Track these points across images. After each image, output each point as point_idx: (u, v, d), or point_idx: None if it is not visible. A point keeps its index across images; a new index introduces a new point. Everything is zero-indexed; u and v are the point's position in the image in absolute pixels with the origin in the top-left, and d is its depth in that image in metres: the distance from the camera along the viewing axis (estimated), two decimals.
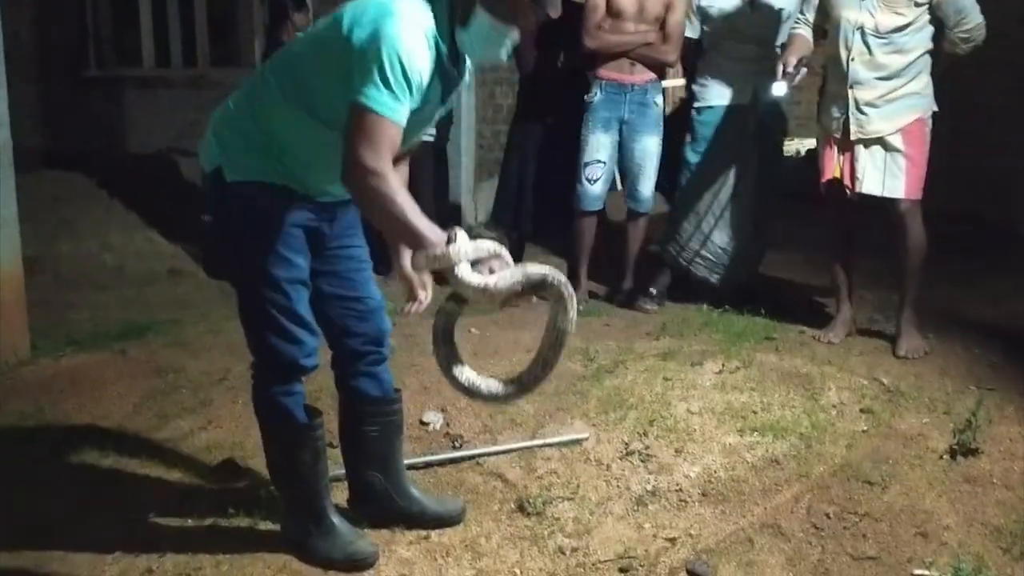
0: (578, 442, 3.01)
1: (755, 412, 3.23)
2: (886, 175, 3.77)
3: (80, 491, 2.78)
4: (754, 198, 4.40)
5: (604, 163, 4.43)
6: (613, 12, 4.37)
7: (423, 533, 2.52)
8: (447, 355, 2.13)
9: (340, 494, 2.61)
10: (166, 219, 6.03)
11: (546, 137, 4.73)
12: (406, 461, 2.86)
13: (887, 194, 3.78)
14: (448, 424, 3.16)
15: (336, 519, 2.41)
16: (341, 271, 2.36)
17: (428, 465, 2.88)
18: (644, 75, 4.41)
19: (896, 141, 3.76)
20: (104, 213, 5.99)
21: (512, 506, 2.67)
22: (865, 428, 3.12)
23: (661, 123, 4.53)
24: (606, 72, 4.41)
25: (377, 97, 1.97)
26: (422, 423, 3.15)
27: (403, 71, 1.97)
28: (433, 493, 2.71)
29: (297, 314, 2.24)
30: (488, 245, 2.05)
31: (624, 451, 2.96)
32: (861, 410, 3.25)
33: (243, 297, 2.28)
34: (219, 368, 3.64)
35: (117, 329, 4.22)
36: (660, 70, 4.47)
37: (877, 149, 3.78)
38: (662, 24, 4.37)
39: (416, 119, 2.09)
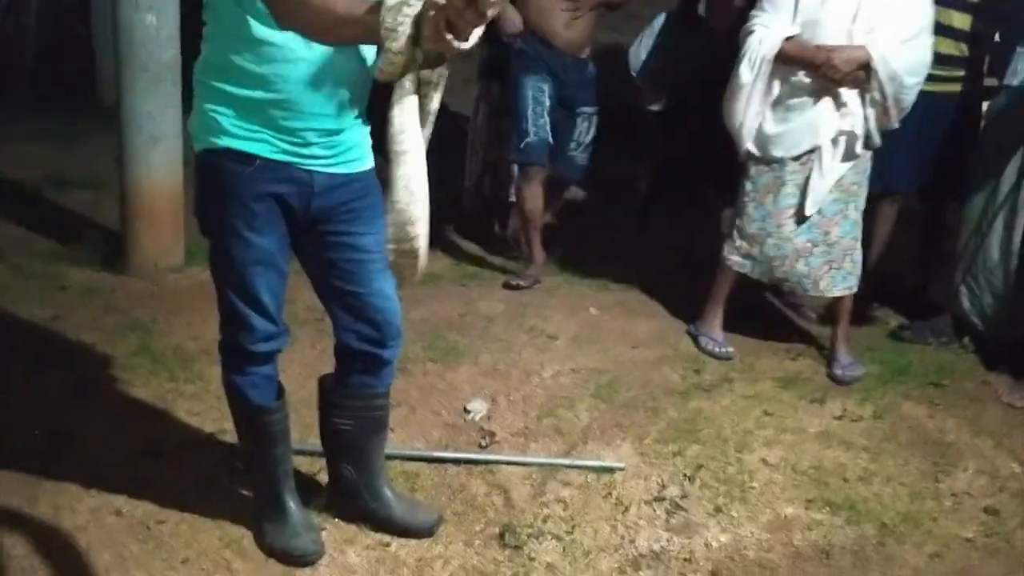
0: (610, 471, 2.66)
1: (845, 480, 2.67)
2: None
3: (114, 411, 2.84)
4: None
5: None
6: None
7: (385, 539, 2.35)
8: None
9: None
10: None
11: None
12: (421, 452, 2.72)
13: None
14: (489, 417, 2.93)
15: (292, 506, 2.31)
16: (337, 259, 2.13)
17: (440, 461, 2.69)
18: None
19: None
20: None
21: (495, 531, 2.42)
22: (971, 535, 2.46)
23: None
24: None
25: None
26: (465, 410, 2.95)
27: None
28: (422, 495, 2.53)
29: (253, 297, 2.11)
30: None
31: (655, 495, 2.57)
32: (984, 509, 2.57)
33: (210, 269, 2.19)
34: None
35: None
36: None
37: None
38: None
39: None
